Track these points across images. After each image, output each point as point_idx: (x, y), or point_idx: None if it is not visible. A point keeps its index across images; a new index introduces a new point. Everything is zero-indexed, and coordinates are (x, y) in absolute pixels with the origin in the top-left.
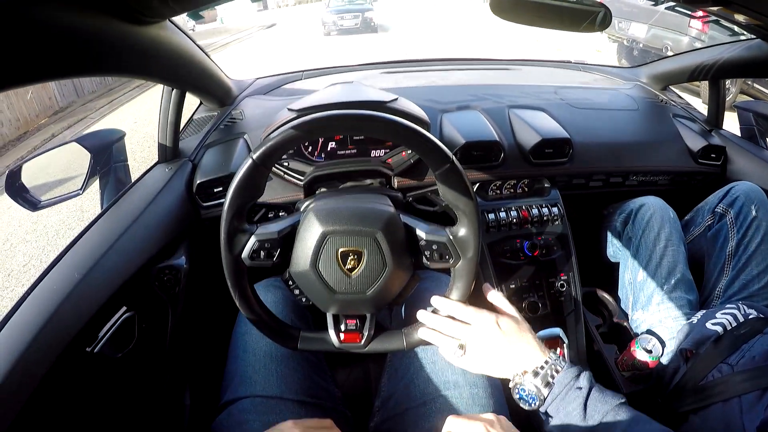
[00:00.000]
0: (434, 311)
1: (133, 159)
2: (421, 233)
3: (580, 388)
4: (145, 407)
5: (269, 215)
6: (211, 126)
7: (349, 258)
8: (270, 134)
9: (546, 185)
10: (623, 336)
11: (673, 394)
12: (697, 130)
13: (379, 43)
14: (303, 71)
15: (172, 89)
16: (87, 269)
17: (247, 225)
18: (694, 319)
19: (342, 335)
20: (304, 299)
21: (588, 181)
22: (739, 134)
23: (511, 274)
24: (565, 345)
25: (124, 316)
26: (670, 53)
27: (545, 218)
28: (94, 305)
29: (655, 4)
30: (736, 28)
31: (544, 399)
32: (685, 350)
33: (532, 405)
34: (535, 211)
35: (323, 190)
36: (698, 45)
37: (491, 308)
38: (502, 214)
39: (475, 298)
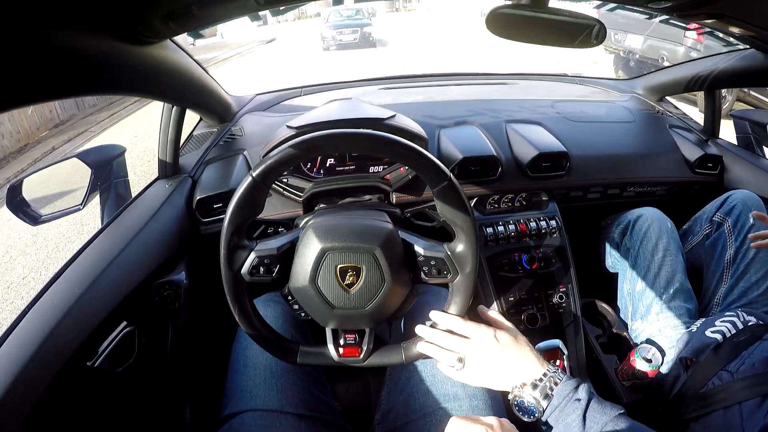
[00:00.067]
0: (433, 325)
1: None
2: (419, 249)
3: (579, 400)
4: (145, 421)
5: (269, 231)
6: (211, 142)
7: (348, 274)
8: (269, 151)
9: (544, 198)
10: (623, 346)
11: (673, 403)
12: (693, 140)
13: (377, 58)
14: (302, 87)
15: (173, 106)
16: (87, 284)
17: (246, 241)
18: (694, 328)
19: (341, 349)
20: (303, 314)
21: (586, 193)
22: (735, 143)
23: (510, 287)
24: (564, 356)
25: (124, 331)
26: (666, 63)
27: (543, 231)
28: (94, 320)
29: (649, 18)
30: (731, 39)
31: (543, 411)
32: (685, 359)
33: (532, 417)
34: (533, 224)
35: (322, 206)
36: (694, 55)
37: (489, 323)
38: (500, 228)
39: (474, 312)
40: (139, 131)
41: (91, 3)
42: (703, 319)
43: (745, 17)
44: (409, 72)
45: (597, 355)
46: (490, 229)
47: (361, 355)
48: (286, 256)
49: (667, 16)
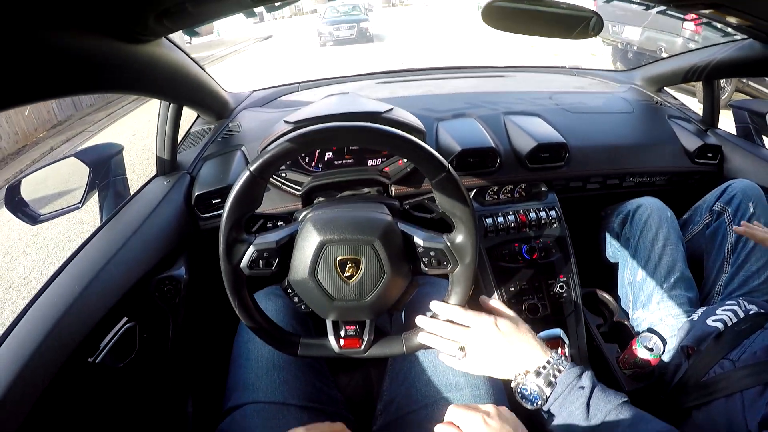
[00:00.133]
0: (433, 316)
1: (132, 171)
2: (418, 240)
3: (583, 388)
4: (147, 416)
5: (268, 225)
6: (209, 139)
7: (348, 266)
8: (267, 146)
9: (543, 189)
10: (624, 335)
11: (675, 391)
12: (692, 130)
13: (374, 53)
14: (299, 83)
15: (170, 104)
16: (87, 281)
17: (245, 235)
18: (695, 316)
19: (342, 341)
20: (303, 307)
21: (585, 183)
22: (734, 133)
23: (511, 277)
24: (566, 345)
25: (125, 327)
26: (664, 55)
27: (543, 221)
28: (95, 316)
29: (647, 9)
30: (728, 29)
31: (547, 398)
32: (687, 347)
33: (535, 404)
34: (532, 214)
35: (321, 199)
36: (692, 46)
37: (491, 312)
38: (500, 219)
39: (474, 302)
40: (137, 130)
41: (87, 2)
42: (704, 308)
43: (743, 7)
44: (406, 66)
45: (598, 344)
46: (489, 220)
47: (362, 347)
48: (286, 249)
49: (665, 7)
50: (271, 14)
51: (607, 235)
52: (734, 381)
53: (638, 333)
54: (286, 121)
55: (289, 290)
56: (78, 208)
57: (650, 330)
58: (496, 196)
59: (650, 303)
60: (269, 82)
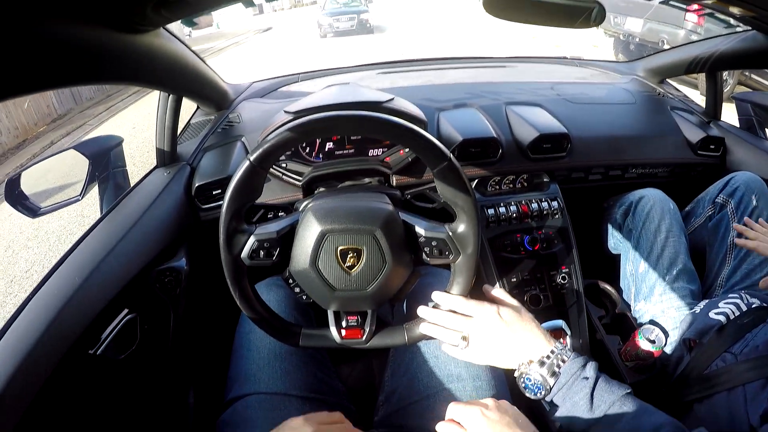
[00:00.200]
0: (435, 306)
1: (133, 164)
2: (420, 230)
3: (587, 378)
4: (149, 408)
5: (268, 216)
6: (209, 130)
7: (349, 256)
8: (267, 137)
9: (545, 180)
10: (626, 327)
11: (677, 384)
12: (695, 121)
13: (375, 44)
14: (299, 74)
15: (169, 95)
16: (88, 273)
17: (245, 225)
18: (697, 309)
19: (343, 331)
20: (304, 297)
21: (587, 174)
22: (737, 125)
23: (512, 268)
24: (567, 337)
25: (126, 318)
26: (666, 47)
27: (545, 212)
28: (95, 308)
29: (649, 0)
30: (731, 21)
31: (550, 389)
32: (689, 340)
33: (538, 394)
34: (534, 205)
35: (322, 189)
36: (694, 38)
37: (493, 301)
38: (502, 209)
39: (476, 292)
40: (137, 123)
41: None
42: (707, 301)
43: None
44: (407, 57)
45: (600, 336)
46: (491, 211)
47: (364, 337)
48: (286, 239)
49: None
50: (270, 5)
51: (610, 227)
52: (736, 375)
53: (640, 325)
54: (286, 111)
55: (290, 280)
56: (78, 200)
57: (652, 322)
58: (497, 187)
59: (652, 295)
60: (270, 74)
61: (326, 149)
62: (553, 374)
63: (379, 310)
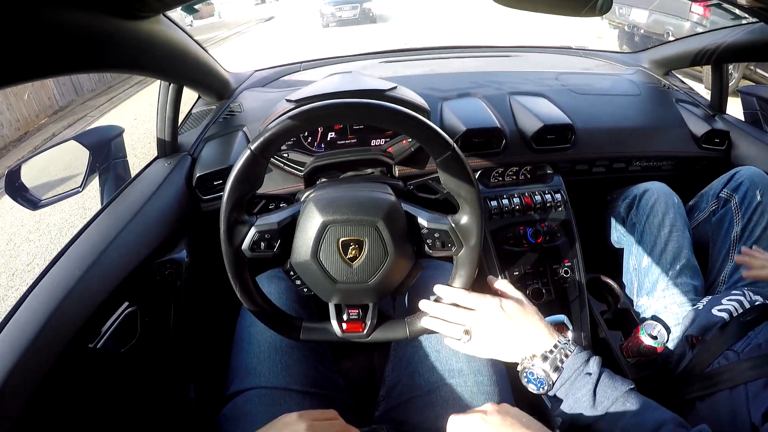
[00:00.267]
0: (437, 299)
1: (134, 155)
2: (422, 221)
3: (590, 374)
4: (149, 401)
5: (270, 206)
6: (210, 119)
7: (350, 247)
8: (268, 125)
9: (549, 171)
10: (628, 322)
11: (678, 381)
12: (700, 114)
13: (378, 34)
14: (301, 62)
15: (170, 84)
16: (88, 265)
17: (246, 216)
18: (700, 305)
19: (344, 325)
20: (305, 289)
21: (591, 166)
22: (742, 119)
23: (515, 261)
24: (569, 332)
25: (126, 312)
26: (671, 38)
27: (548, 204)
28: (96, 301)
29: None
30: (737, 12)
31: (553, 384)
32: (691, 337)
33: (541, 389)
34: (538, 197)
35: (323, 180)
36: (700, 30)
37: (495, 293)
38: (505, 201)
39: (479, 285)
40: (138, 114)
41: None
42: (710, 297)
43: None
44: (410, 46)
45: (602, 331)
46: (494, 203)
47: (365, 331)
48: (287, 230)
49: None
50: None
51: (613, 220)
52: (738, 373)
53: (643, 320)
54: (288, 100)
55: (291, 273)
56: (79, 192)
57: (654, 318)
58: (500, 178)
59: (655, 290)
60: (272, 63)
61: (328, 139)
62: (556, 369)
63: (381, 304)
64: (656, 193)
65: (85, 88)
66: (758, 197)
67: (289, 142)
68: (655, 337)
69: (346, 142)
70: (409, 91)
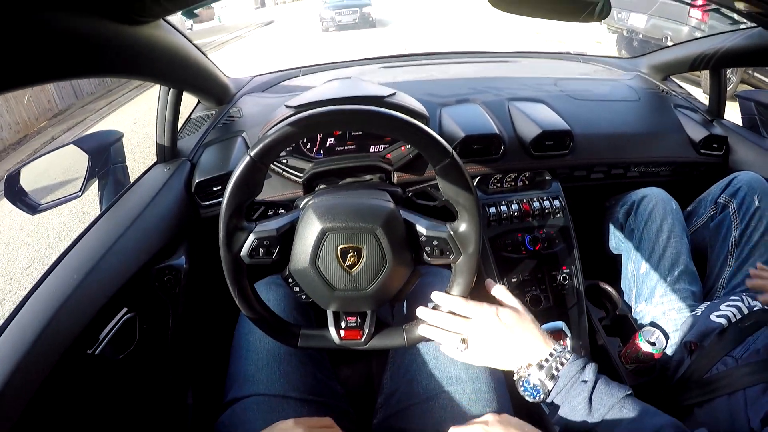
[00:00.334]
0: (435, 307)
1: (133, 160)
2: (421, 229)
3: (585, 382)
4: (147, 408)
5: (268, 213)
6: (209, 125)
7: (349, 255)
8: (268, 131)
9: (547, 178)
10: (627, 329)
11: (677, 387)
12: (698, 120)
13: (377, 39)
14: (301, 68)
15: (169, 89)
16: (86, 271)
17: (245, 223)
18: (698, 311)
19: (342, 332)
20: (304, 296)
21: (589, 173)
22: (740, 124)
23: (513, 267)
24: (568, 338)
25: (124, 318)
26: (670, 43)
27: (546, 211)
28: (94, 307)
29: None
30: (736, 17)
31: (549, 392)
32: (690, 343)
33: (537, 398)
34: (536, 204)
35: (322, 186)
36: (698, 34)
37: (493, 301)
38: (503, 208)
39: (477, 293)
40: (138, 118)
41: None
42: (708, 303)
43: None
44: (409, 51)
45: (600, 338)
46: (492, 209)
47: (363, 338)
48: (286, 237)
49: None
50: None
51: (611, 226)
52: (737, 379)
53: (641, 327)
54: (287, 106)
55: (290, 279)
56: (78, 196)
57: (653, 324)
58: (499, 185)
59: (653, 296)
60: (271, 69)
61: (327, 145)
62: (552, 377)
63: (379, 311)
64: (654, 198)
65: (84, 92)
66: (756, 202)
67: (288, 148)
68: (653, 344)
69: (345, 148)
70: (408, 98)
